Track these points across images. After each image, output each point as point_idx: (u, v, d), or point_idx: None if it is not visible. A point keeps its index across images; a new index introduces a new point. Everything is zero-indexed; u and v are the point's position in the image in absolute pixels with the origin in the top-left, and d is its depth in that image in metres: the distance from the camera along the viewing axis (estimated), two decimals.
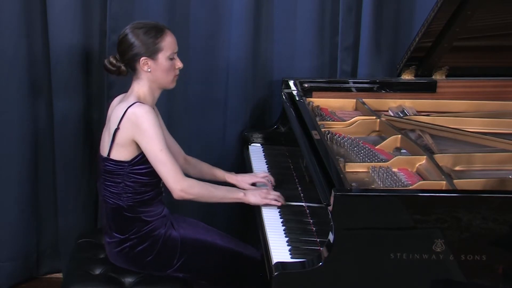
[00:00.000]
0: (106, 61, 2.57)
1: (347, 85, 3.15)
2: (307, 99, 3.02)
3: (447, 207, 2.07)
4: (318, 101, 3.07)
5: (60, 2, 3.04)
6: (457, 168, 2.49)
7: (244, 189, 2.65)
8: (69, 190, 3.28)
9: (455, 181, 2.27)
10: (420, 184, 2.29)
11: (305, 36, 3.22)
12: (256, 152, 3.10)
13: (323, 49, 3.26)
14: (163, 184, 2.55)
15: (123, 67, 2.54)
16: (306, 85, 3.12)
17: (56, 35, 3.08)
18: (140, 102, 2.48)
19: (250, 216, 2.72)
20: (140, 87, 2.54)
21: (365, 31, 3.15)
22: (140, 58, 2.49)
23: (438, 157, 2.47)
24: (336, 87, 3.14)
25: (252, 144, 3.17)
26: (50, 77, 3.15)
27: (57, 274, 3.45)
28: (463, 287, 2.12)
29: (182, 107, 3.25)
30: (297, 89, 3.07)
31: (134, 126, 2.45)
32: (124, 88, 3.15)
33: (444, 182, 2.26)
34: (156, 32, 2.50)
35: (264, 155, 3.07)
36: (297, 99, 2.96)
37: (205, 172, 2.84)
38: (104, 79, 3.17)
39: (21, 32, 3.08)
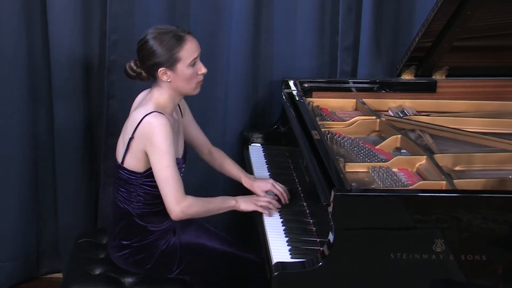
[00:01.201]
0: (127, 66, 2.50)
1: (347, 85, 3.15)
2: (307, 99, 3.02)
3: (447, 207, 2.07)
4: (318, 101, 3.07)
5: (60, 2, 3.04)
6: (457, 168, 2.49)
7: (238, 196, 2.60)
8: (69, 190, 3.28)
9: (455, 181, 2.27)
10: (420, 184, 2.29)
11: (305, 36, 3.22)
12: (256, 152, 3.10)
13: (323, 49, 3.26)
14: None
15: (144, 74, 2.48)
16: (306, 85, 3.12)
17: (56, 35, 3.08)
18: (157, 112, 2.42)
19: (250, 216, 2.72)
20: (161, 94, 2.48)
21: (365, 31, 3.15)
22: (159, 68, 2.43)
23: (438, 157, 2.47)
24: (336, 87, 3.14)
25: (252, 144, 3.17)
26: (50, 77, 3.15)
27: (57, 274, 3.45)
28: (463, 287, 2.12)
29: None
30: (297, 89, 3.07)
31: (146, 137, 2.40)
32: (125, 88, 3.16)
33: (444, 182, 2.26)
34: (176, 40, 2.41)
35: (264, 155, 3.07)
36: (297, 99, 2.96)
37: (226, 170, 2.80)
38: (104, 79, 3.17)
39: (21, 32, 3.08)
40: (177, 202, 2.42)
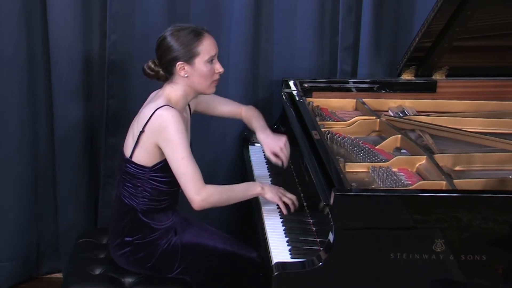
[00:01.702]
0: (145, 66, 2.52)
1: (347, 85, 3.15)
2: (307, 99, 3.02)
3: (447, 207, 2.07)
4: (318, 101, 3.07)
5: (60, 2, 3.04)
6: (457, 168, 2.49)
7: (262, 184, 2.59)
8: (69, 190, 3.28)
9: (455, 181, 2.27)
10: (420, 184, 2.29)
11: (305, 36, 3.22)
12: (256, 152, 3.10)
13: (323, 49, 3.26)
14: (181, 193, 2.51)
15: (161, 72, 2.49)
16: (306, 85, 3.12)
17: (56, 35, 3.08)
18: (168, 106, 2.43)
19: (250, 216, 2.72)
20: (174, 90, 2.49)
21: (365, 31, 3.15)
22: (177, 62, 2.45)
23: (438, 157, 2.47)
24: (336, 87, 3.14)
25: (252, 144, 3.17)
26: (50, 77, 3.15)
27: (57, 274, 3.45)
28: (463, 287, 2.12)
29: None
30: (297, 89, 3.07)
31: (159, 130, 2.41)
32: (125, 88, 3.17)
33: (444, 182, 2.26)
34: (194, 35, 2.45)
35: (264, 155, 3.06)
36: (297, 99, 2.96)
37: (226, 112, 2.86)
38: (104, 79, 3.17)
39: (21, 32, 3.08)
40: (197, 192, 2.41)
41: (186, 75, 2.46)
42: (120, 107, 3.19)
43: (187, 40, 2.44)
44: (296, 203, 2.53)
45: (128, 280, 2.56)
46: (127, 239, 2.55)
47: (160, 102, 2.45)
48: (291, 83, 3.12)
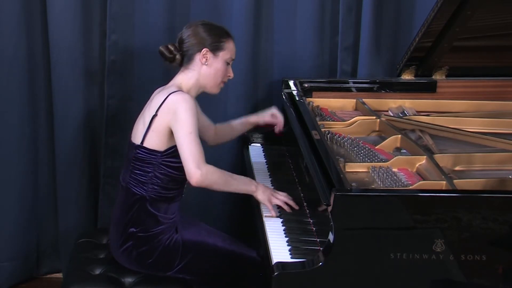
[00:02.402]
0: (163, 48, 2.58)
1: (347, 85, 3.15)
2: (307, 99, 3.02)
3: (447, 207, 2.07)
4: (318, 101, 3.07)
5: (60, 2, 3.04)
6: (457, 168, 2.49)
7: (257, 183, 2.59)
8: (69, 190, 3.28)
9: (455, 181, 2.27)
10: (420, 184, 2.29)
11: (305, 36, 3.23)
12: (256, 152, 3.10)
13: (323, 49, 3.26)
14: (187, 184, 2.54)
15: (178, 56, 2.56)
16: (306, 85, 3.12)
17: (56, 35, 3.08)
18: (181, 91, 2.51)
19: (250, 216, 2.72)
20: (187, 78, 2.57)
21: (365, 31, 3.15)
22: (203, 48, 2.53)
23: (438, 157, 2.47)
24: (336, 87, 3.14)
25: (252, 144, 3.17)
26: (50, 77, 3.15)
27: (57, 274, 3.45)
28: (463, 287, 2.12)
29: None
30: (297, 89, 3.07)
31: (171, 112, 2.46)
32: (125, 88, 3.17)
33: (444, 182, 2.26)
34: (225, 32, 2.59)
35: (264, 155, 3.07)
36: (297, 99, 2.96)
37: (236, 129, 2.95)
38: (104, 79, 3.17)
39: (21, 32, 3.08)
40: (198, 166, 2.43)
41: (206, 63, 2.54)
42: (120, 107, 3.19)
43: (219, 33, 2.57)
44: (290, 202, 2.52)
45: (128, 280, 2.56)
46: (131, 229, 2.54)
47: (172, 88, 2.52)
48: (291, 83, 3.12)
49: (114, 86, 3.16)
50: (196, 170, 2.43)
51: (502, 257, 2.10)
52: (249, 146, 3.15)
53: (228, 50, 2.57)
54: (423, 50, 3.00)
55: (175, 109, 2.45)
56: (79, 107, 3.20)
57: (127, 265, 2.59)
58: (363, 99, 3.06)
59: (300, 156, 2.59)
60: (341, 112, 3.02)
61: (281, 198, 2.53)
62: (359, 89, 3.14)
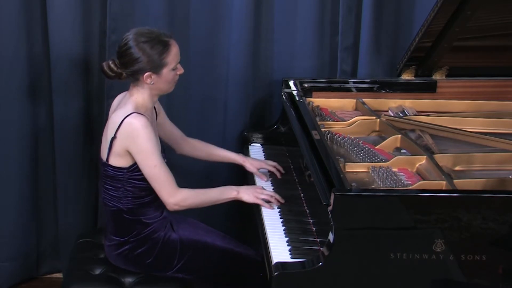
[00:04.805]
0: (104, 65, 2.51)
1: (347, 85, 3.15)
2: (307, 99, 3.02)
3: (447, 207, 2.07)
4: (318, 101, 3.07)
5: (60, 2, 3.04)
6: (457, 168, 2.49)
7: (237, 186, 2.62)
8: (69, 190, 3.28)
9: (455, 181, 2.27)
10: (420, 184, 2.29)
11: (305, 36, 3.22)
12: (256, 152, 3.10)
13: (323, 49, 3.26)
14: None
15: (124, 74, 2.50)
16: (306, 85, 3.12)
17: (56, 35, 3.08)
18: (137, 113, 2.45)
19: (249, 216, 2.72)
20: (140, 94, 2.52)
21: (365, 31, 3.15)
22: (144, 73, 2.46)
23: (438, 157, 2.47)
24: (336, 87, 3.14)
25: (252, 144, 3.17)
26: (50, 77, 3.15)
27: (57, 274, 3.45)
28: (463, 287, 2.12)
29: (182, 107, 3.25)
30: (297, 89, 3.07)
31: (129, 137, 2.44)
32: (124, 87, 3.16)
33: (444, 182, 2.26)
34: (162, 46, 2.45)
35: (264, 155, 3.07)
36: (297, 99, 2.96)
37: (215, 155, 2.91)
38: (105, 79, 3.17)
39: (21, 32, 3.08)
40: (170, 195, 2.48)
41: (152, 83, 2.49)
42: None
43: (156, 53, 2.44)
44: (277, 196, 2.57)
45: (128, 280, 2.57)
46: (122, 239, 2.56)
47: (129, 108, 2.47)
48: (291, 83, 3.12)
49: (114, 86, 3.16)
50: (170, 199, 2.48)
51: (502, 257, 2.10)
52: (249, 146, 3.15)
53: (171, 61, 2.47)
54: (423, 50, 3.00)
55: (134, 137, 2.43)
56: (79, 107, 3.19)
57: (124, 266, 2.60)
58: (363, 99, 3.05)
59: (300, 156, 2.59)
60: (341, 112, 3.02)
61: (268, 192, 2.58)
62: (359, 89, 3.14)
